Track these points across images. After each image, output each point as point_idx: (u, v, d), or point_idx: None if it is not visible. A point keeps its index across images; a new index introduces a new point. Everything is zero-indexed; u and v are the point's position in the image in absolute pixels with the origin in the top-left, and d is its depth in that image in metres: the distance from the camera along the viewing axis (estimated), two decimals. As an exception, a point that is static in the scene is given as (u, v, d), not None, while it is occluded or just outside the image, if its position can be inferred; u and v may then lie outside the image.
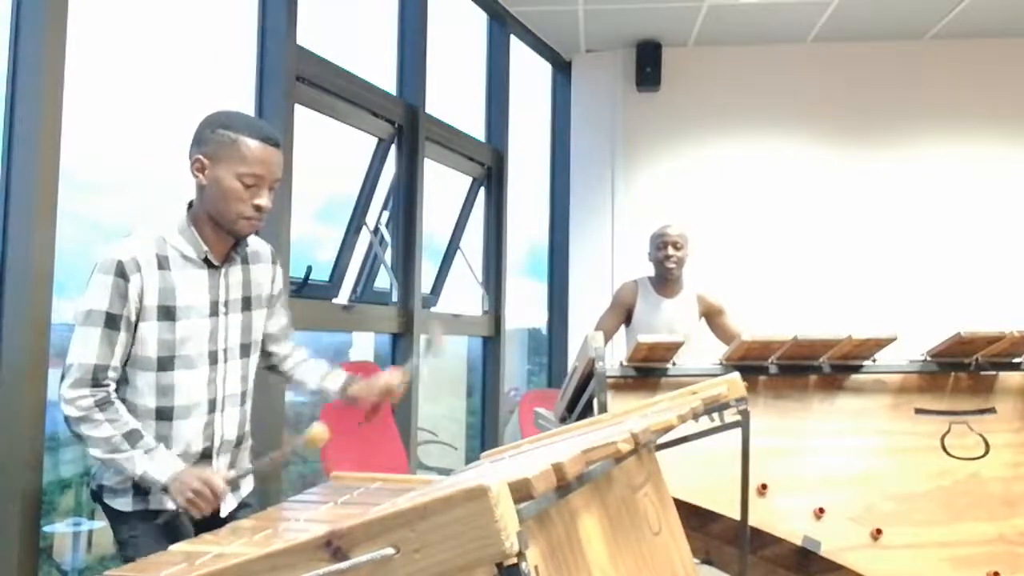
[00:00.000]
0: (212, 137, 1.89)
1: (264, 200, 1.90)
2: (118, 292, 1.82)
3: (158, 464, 1.81)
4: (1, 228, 2.34)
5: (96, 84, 2.80)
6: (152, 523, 1.87)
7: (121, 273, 1.82)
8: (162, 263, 1.88)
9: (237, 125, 1.90)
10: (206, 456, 1.96)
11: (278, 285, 2.15)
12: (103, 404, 1.81)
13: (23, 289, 2.31)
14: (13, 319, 2.31)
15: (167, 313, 1.88)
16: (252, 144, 1.88)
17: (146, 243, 1.88)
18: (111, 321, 1.82)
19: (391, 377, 2.16)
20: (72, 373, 1.81)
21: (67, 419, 1.82)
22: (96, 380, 1.81)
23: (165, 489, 1.81)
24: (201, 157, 1.89)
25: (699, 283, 4.03)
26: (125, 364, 1.88)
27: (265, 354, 2.16)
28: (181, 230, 1.92)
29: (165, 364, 1.88)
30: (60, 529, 3.16)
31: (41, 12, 2.36)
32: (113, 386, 1.85)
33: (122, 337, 1.84)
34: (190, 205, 1.95)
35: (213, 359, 1.95)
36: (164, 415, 1.90)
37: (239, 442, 2.05)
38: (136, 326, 1.85)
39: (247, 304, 2.03)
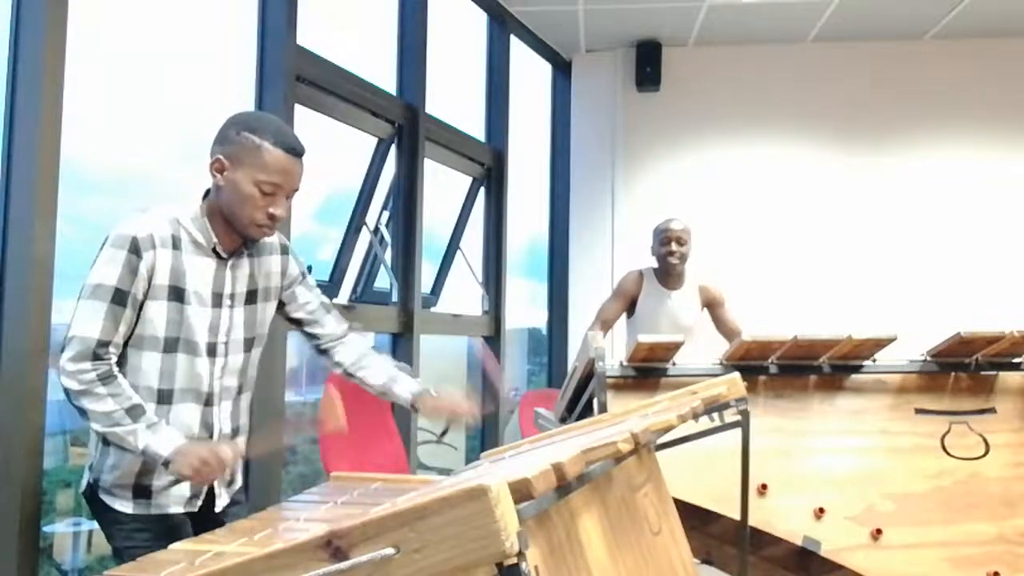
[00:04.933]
0: (236, 139, 1.86)
1: (279, 209, 1.89)
2: (129, 268, 1.80)
3: (160, 438, 1.78)
4: (1, 227, 2.35)
5: (96, 84, 2.81)
6: (154, 530, 1.85)
7: (135, 249, 1.81)
8: (176, 243, 1.87)
9: (262, 130, 1.87)
10: None
11: (291, 274, 2.11)
12: (106, 378, 1.79)
13: (24, 289, 2.31)
14: (13, 319, 2.31)
15: (177, 294, 1.86)
16: (275, 152, 1.85)
17: (161, 221, 1.87)
18: (119, 297, 1.80)
19: (462, 404, 2.11)
20: (73, 346, 1.78)
21: (67, 392, 1.79)
22: (96, 355, 1.79)
23: (166, 464, 1.78)
24: (222, 157, 1.87)
25: (701, 275, 4.04)
26: (128, 343, 1.86)
27: (309, 337, 2.15)
28: (194, 218, 1.91)
29: (171, 345, 1.87)
30: (60, 529, 3.16)
31: (41, 12, 2.36)
32: (114, 359, 1.82)
33: (127, 314, 1.82)
34: (206, 194, 1.94)
35: (211, 351, 1.93)
36: (164, 398, 1.88)
37: (234, 435, 2.03)
38: (143, 304, 1.84)
39: (252, 297, 2.02)
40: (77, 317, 1.81)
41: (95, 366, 1.79)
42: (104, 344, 1.80)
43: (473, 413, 2.12)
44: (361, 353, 2.18)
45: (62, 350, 1.81)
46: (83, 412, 1.80)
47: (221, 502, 1.99)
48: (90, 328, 1.79)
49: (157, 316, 1.85)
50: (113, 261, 1.80)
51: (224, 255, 1.94)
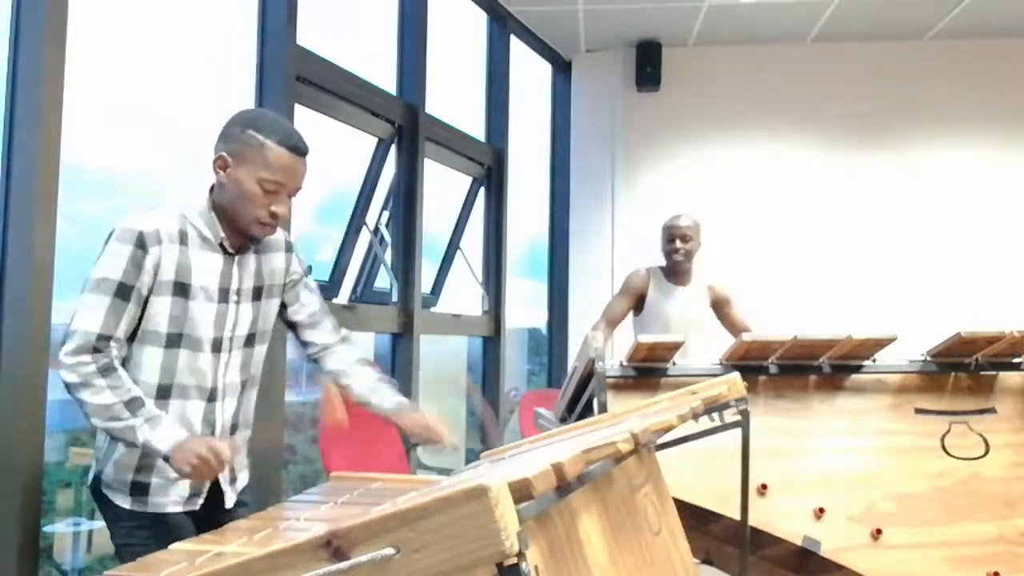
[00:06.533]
0: (240, 136, 1.86)
1: (282, 207, 1.89)
2: (134, 263, 1.80)
3: (160, 433, 1.76)
4: (1, 228, 2.35)
5: (97, 84, 2.81)
6: (152, 529, 1.84)
7: (140, 244, 1.80)
8: (183, 239, 1.87)
9: (267, 128, 1.87)
10: None
11: (294, 272, 2.11)
12: (105, 370, 1.77)
13: (24, 290, 2.31)
14: (13, 319, 2.31)
15: (181, 289, 1.86)
16: (279, 151, 1.85)
17: (169, 217, 1.87)
18: (122, 291, 1.80)
19: (437, 429, 2.11)
20: (75, 339, 1.77)
21: (67, 385, 1.78)
22: (97, 348, 1.78)
23: (166, 458, 1.76)
24: (225, 155, 1.87)
25: (708, 274, 4.03)
26: (132, 339, 1.85)
27: (302, 343, 2.15)
28: (201, 212, 1.91)
29: (173, 341, 1.87)
30: (60, 529, 3.16)
31: (41, 12, 2.36)
32: (115, 353, 1.81)
33: (131, 309, 1.81)
34: (212, 189, 1.94)
35: (216, 346, 1.93)
36: (164, 393, 1.88)
37: (235, 431, 2.02)
38: (147, 300, 1.83)
39: (258, 294, 2.02)
40: (79, 310, 1.80)
41: (95, 359, 1.77)
42: (105, 338, 1.79)
43: (446, 441, 2.11)
44: (349, 363, 2.17)
45: (63, 343, 1.80)
46: (82, 405, 1.78)
47: (229, 499, 1.99)
48: (91, 321, 1.78)
49: (160, 311, 1.85)
50: (118, 255, 1.80)
51: (231, 250, 1.94)
